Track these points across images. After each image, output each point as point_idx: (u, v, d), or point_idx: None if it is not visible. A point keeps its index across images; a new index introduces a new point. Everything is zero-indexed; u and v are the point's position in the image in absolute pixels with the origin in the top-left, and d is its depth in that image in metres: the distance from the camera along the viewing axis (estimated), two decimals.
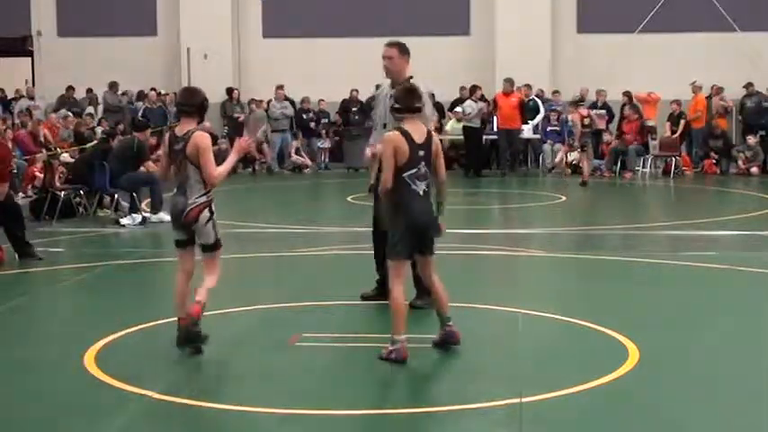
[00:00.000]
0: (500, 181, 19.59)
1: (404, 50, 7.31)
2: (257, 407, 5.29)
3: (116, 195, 13.99)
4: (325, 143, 22.27)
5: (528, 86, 21.94)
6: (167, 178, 6.66)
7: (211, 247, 6.56)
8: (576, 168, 21.16)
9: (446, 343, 6.42)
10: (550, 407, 5.32)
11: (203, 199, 6.52)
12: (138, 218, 13.26)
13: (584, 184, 17.99)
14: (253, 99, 22.29)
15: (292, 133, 22.11)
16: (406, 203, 6.13)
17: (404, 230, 6.12)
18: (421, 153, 6.17)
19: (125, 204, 13.71)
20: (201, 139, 6.48)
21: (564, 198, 16.53)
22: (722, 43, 21.85)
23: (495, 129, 21.00)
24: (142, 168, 13.69)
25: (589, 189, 17.81)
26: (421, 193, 6.15)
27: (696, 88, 20.97)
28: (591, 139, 18.99)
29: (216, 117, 23.01)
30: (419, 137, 6.20)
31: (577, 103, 19.05)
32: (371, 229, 7.48)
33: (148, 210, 13.74)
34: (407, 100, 6.28)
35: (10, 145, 10.87)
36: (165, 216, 13.52)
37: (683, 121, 20.69)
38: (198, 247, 6.60)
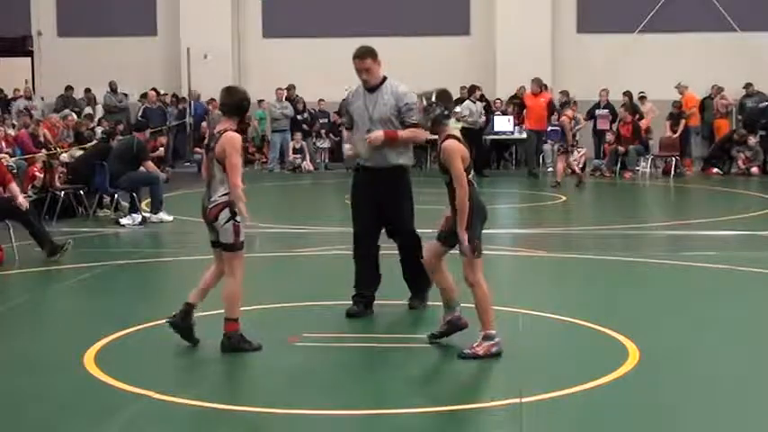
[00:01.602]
0: (499, 181, 19.59)
1: (375, 55, 7.25)
2: (257, 407, 5.29)
3: (116, 195, 13.99)
4: (325, 143, 22.27)
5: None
6: (206, 177, 6.66)
7: (230, 247, 6.52)
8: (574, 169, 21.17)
9: (454, 330, 6.47)
10: (551, 407, 5.31)
11: (224, 198, 6.49)
12: (137, 218, 13.26)
13: (580, 183, 17.84)
14: (212, 99, 22.25)
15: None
16: (477, 203, 6.27)
17: (480, 228, 6.24)
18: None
19: (125, 204, 13.70)
20: (230, 140, 6.44)
21: (564, 198, 16.53)
22: (722, 43, 21.87)
23: (525, 129, 20.68)
24: (142, 168, 13.68)
25: (585, 189, 17.77)
26: None
27: (682, 88, 21.00)
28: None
29: (215, 117, 22.98)
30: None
31: (563, 105, 19.13)
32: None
33: (148, 210, 13.73)
34: (449, 102, 6.38)
35: (4, 145, 10.84)
36: (164, 216, 13.54)
37: (683, 121, 20.69)
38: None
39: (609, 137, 20.86)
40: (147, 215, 13.49)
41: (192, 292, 6.61)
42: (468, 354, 6.14)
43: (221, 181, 6.50)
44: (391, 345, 6.67)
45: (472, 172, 6.36)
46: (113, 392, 5.57)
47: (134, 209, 13.40)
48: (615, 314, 7.46)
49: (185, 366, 6.18)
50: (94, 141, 16.20)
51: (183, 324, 6.53)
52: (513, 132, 21.95)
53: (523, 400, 5.34)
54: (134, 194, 13.45)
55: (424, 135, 7.04)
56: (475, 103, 20.15)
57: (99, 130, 19.09)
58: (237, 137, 6.52)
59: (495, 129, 21.77)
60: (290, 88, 22.26)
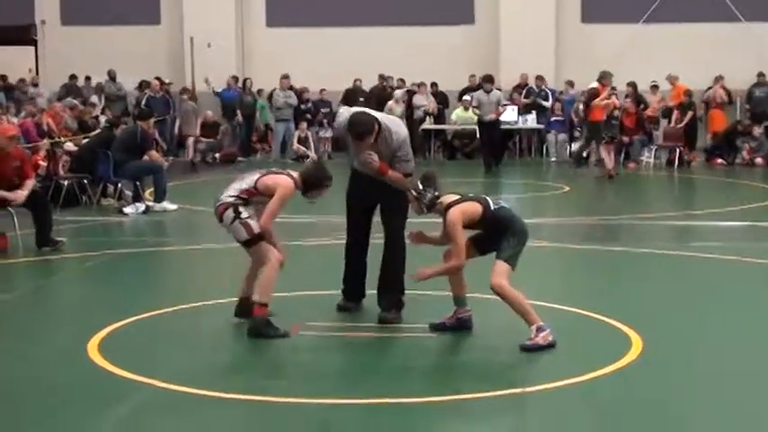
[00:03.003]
0: (503, 171, 19.56)
1: (372, 131, 6.74)
2: (262, 395, 5.31)
3: (119, 184, 14.00)
4: (327, 132, 22.27)
5: (540, 78, 22.00)
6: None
7: (248, 243, 6.58)
8: (578, 159, 21.13)
9: (461, 327, 6.59)
10: (553, 397, 5.33)
11: (230, 200, 6.56)
12: (141, 207, 13.27)
13: (611, 177, 17.52)
14: (185, 88, 22.20)
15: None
16: (521, 227, 6.48)
17: (520, 249, 6.43)
18: None
19: (128, 193, 13.72)
20: (284, 186, 6.54)
21: (567, 188, 16.52)
22: (728, 33, 21.81)
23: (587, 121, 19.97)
24: (146, 157, 13.69)
25: (594, 180, 17.74)
26: None
27: (672, 78, 20.95)
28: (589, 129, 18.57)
29: (218, 105, 22.99)
30: None
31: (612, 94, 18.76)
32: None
33: (151, 199, 13.74)
34: (435, 182, 6.50)
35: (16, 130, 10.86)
36: (168, 205, 13.55)
37: (690, 112, 20.62)
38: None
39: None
40: (151, 204, 13.50)
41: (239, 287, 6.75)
42: (530, 344, 6.19)
43: (237, 185, 6.60)
44: (393, 334, 6.69)
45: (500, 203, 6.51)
46: (118, 381, 5.58)
47: (137, 198, 13.42)
48: (619, 305, 7.46)
49: (190, 355, 6.19)
50: (98, 130, 16.19)
51: (257, 330, 6.49)
52: (517, 122, 21.90)
53: (526, 389, 5.35)
54: (137, 183, 13.47)
55: (408, 185, 6.82)
56: (488, 93, 18.88)
57: (103, 119, 19.10)
58: (292, 189, 6.57)
59: (500, 118, 21.70)
60: (285, 77, 22.18)
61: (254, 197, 6.62)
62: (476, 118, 19.47)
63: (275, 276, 6.54)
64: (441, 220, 6.47)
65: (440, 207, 6.44)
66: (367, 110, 7.21)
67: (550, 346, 6.20)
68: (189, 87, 22.46)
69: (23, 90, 22.22)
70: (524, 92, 22.43)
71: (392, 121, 7.07)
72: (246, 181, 6.65)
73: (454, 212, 6.33)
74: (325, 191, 6.75)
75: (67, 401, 5.31)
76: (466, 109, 21.02)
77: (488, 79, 19.17)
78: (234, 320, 6.78)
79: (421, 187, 6.47)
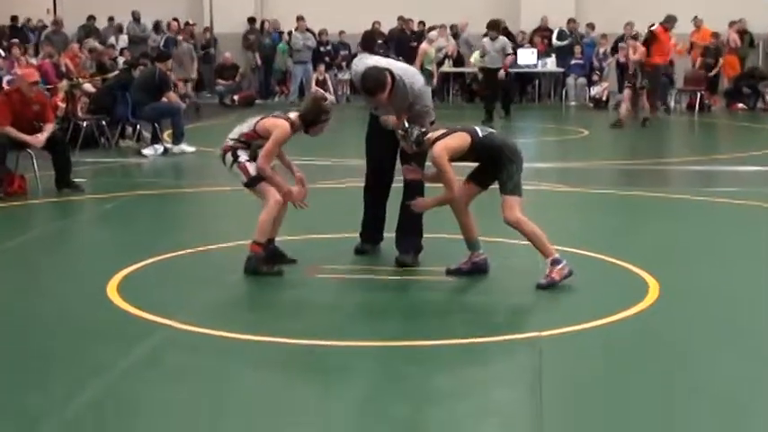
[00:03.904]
0: (522, 115, 19.43)
1: (384, 87, 6.62)
2: (277, 337, 5.33)
3: (138, 126, 13.99)
4: (346, 75, 22.14)
5: (572, 21, 21.76)
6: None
7: (248, 185, 6.68)
8: (597, 102, 20.98)
9: (477, 271, 6.59)
10: (570, 340, 5.33)
11: (231, 143, 6.69)
12: (159, 148, 13.28)
13: (645, 123, 17.07)
14: (178, 26, 21.75)
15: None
16: (513, 149, 6.49)
17: (519, 171, 6.43)
18: None
19: (147, 135, 13.72)
20: (280, 128, 6.57)
21: (586, 132, 16.39)
22: None
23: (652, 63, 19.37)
24: (164, 99, 13.65)
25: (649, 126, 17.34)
26: None
27: (699, 22, 20.64)
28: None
29: (237, 47, 22.89)
30: None
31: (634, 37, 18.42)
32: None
33: (170, 141, 13.74)
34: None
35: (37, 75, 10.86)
36: (186, 147, 13.54)
37: (721, 58, 20.30)
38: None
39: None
40: (169, 146, 13.50)
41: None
42: (546, 282, 6.24)
43: (242, 129, 6.71)
44: (410, 277, 6.69)
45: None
46: (136, 321, 5.62)
47: (156, 139, 13.41)
48: (637, 249, 7.43)
49: (209, 297, 6.21)
50: (116, 72, 16.14)
51: (250, 268, 6.60)
52: (536, 65, 21.70)
53: (543, 333, 5.35)
54: (156, 125, 13.46)
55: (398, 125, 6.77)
56: (494, 40, 18.02)
57: (121, 60, 19.03)
58: (287, 130, 6.60)
59: (519, 62, 21.52)
60: (301, 18, 22.01)
61: (255, 140, 6.71)
62: (482, 63, 18.64)
63: (270, 218, 6.61)
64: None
65: (428, 143, 6.46)
66: (381, 60, 7.05)
67: (566, 277, 6.26)
68: (208, 27, 22.31)
69: (38, 29, 22.10)
70: (556, 33, 22.09)
71: (406, 71, 6.91)
72: (247, 124, 6.75)
73: (437, 148, 6.35)
74: (326, 125, 6.78)
75: (86, 340, 5.34)
76: (483, 55, 20.78)
77: (493, 26, 18.08)
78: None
79: (407, 125, 6.50)
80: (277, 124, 6.64)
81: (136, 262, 6.93)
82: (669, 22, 17.87)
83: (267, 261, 6.63)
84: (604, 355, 5.14)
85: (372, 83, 6.67)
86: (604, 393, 4.61)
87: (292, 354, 5.15)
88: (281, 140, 6.61)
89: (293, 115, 6.73)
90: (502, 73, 17.98)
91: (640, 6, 21.36)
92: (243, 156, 6.66)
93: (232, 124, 7.11)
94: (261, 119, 6.74)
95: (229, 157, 6.67)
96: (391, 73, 6.72)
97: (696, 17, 20.71)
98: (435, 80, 20.89)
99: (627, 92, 17.43)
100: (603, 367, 4.95)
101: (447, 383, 4.74)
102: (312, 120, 6.70)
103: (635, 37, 18.26)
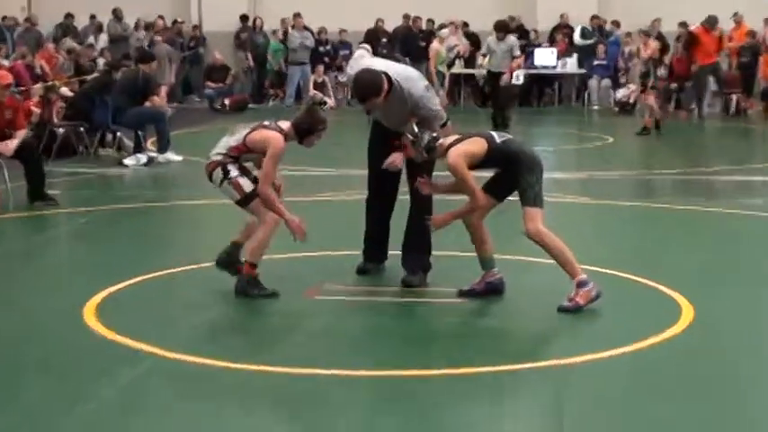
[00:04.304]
0: (542, 120, 19.42)
1: (380, 92, 6.56)
2: (270, 366, 5.27)
3: (119, 133, 13.98)
4: (346, 77, 22.18)
5: (596, 17, 21.78)
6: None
7: (241, 203, 6.63)
8: (623, 107, 20.97)
9: (491, 292, 6.54)
10: (595, 369, 5.27)
11: (219, 158, 6.62)
12: (143, 158, 13.26)
13: (645, 130, 16.89)
14: (148, 24, 21.79)
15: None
16: (531, 157, 6.45)
17: (540, 180, 6.40)
18: None
19: (129, 143, 13.71)
20: (275, 142, 6.51)
21: (611, 139, 16.37)
22: None
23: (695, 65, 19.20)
24: (148, 104, 13.65)
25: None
26: None
27: (739, 18, 20.67)
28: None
29: (229, 47, 22.93)
30: None
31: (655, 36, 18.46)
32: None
33: (154, 149, 13.73)
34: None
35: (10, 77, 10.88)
36: (172, 156, 13.53)
37: (762, 57, 20.29)
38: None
39: (661, 71, 20.54)
40: (154, 155, 13.49)
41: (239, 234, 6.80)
42: (570, 306, 6.17)
43: (228, 141, 6.65)
44: (417, 300, 6.66)
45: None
46: (116, 348, 5.57)
47: (139, 148, 13.40)
48: (669, 268, 7.39)
49: (196, 322, 6.17)
50: (96, 74, 16.16)
51: (228, 259, 6.69)
52: (555, 66, 21.70)
53: (563, 361, 5.30)
54: (139, 132, 13.44)
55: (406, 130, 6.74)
56: (501, 41, 17.49)
57: (101, 61, 19.06)
58: (281, 144, 6.53)
59: (536, 62, 21.53)
60: (298, 15, 22.04)
61: (244, 154, 6.65)
62: (488, 66, 18.10)
63: (269, 239, 6.57)
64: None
65: (440, 150, 6.38)
66: (378, 62, 6.97)
67: (593, 301, 6.18)
68: (197, 25, 22.37)
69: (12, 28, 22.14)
70: (578, 31, 22.05)
71: (404, 75, 6.78)
72: (236, 137, 6.68)
73: (452, 155, 6.29)
74: (322, 135, 6.72)
75: (62, 370, 5.28)
76: (485, 55, 20.69)
77: (500, 27, 17.65)
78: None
79: (416, 129, 6.40)
80: (269, 138, 6.55)
81: (115, 283, 6.89)
82: (710, 22, 17.93)
83: (257, 282, 6.58)
84: (633, 387, 5.08)
85: (364, 87, 6.61)
86: (633, 429, 4.54)
87: (287, 385, 5.10)
88: (277, 157, 6.55)
89: (285, 125, 6.67)
90: (506, 77, 17.46)
91: (668, 1, 21.34)
92: (233, 171, 6.61)
93: (222, 131, 7.09)
94: (251, 131, 6.66)
95: (218, 173, 6.61)
96: (388, 77, 6.67)
97: (737, 13, 20.70)
98: (447, 82, 20.92)
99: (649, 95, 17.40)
100: (632, 400, 4.90)
101: (458, 419, 4.68)
102: (307, 129, 6.66)
103: (647, 33, 18.25)
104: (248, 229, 6.78)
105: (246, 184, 6.58)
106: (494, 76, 17.92)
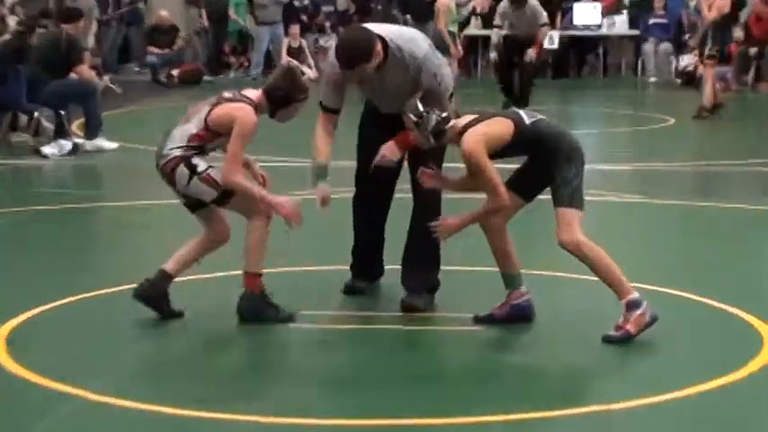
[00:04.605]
0: (583, 94, 19.47)
1: (370, 56, 6.54)
2: (229, 413, 5.29)
3: (36, 113, 13.99)
4: (330, 41, 22.20)
5: None
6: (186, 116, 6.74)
7: (218, 201, 6.62)
8: (689, 78, 21.02)
9: (517, 317, 6.53)
10: (649, 416, 5.30)
11: (178, 152, 6.55)
12: (67, 145, 13.28)
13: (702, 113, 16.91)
14: None
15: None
16: (570, 144, 6.42)
17: (581, 174, 6.37)
18: None
19: (48, 126, 13.72)
20: (245, 119, 6.47)
21: (672, 121, 16.42)
22: None
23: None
24: (73, 75, 13.67)
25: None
26: None
27: None
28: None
29: (178, 3, 22.96)
30: None
31: None
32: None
33: (81, 134, 13.75)
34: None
35: None
36: (104, 143, 13.56)
37: None
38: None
39: (736, 33, 20.63)
40: (80, 141, 13.51)
41: (170, 260, 6.70)
42: (618, 335, 6.18)
43: (187, 128, 6.58)
44: (421, 328, 6.69)
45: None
46: (33, 391, 5.58)
47: (61, 132, 13.41)
48: (744, 286, 7.46)
49: (135, 355, 6.21)
50: (6, 37, 16.18)
51: (153, 293, 6.60)
52: (600, 26, 21.76)
53: (612, 406, 5.33)
54: (61, 112, 13.45)
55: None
56: (518, 10, 17.19)
57: (12, 20, 19.08)
58: (252, 119, 6.50)
59: (575, 21, 21.59)
60: None
61: (210, 141, 6.60)
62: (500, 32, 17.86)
63: (265, 239, 6.58)
64: None
65: (452, 134, 6.36)
66: (372, 27, 6.99)
67: (647, 327, 6.19)
68: None
69: None
70: None
71: (403, 36, 6.80)
72: (194, 122, 6.59)
73: (469, 140, 6.23)
74: (300, 107, 6.67)
75: None
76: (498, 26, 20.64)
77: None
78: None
79: (421, 108, 6.35)
80: (236, 112, 6.50)
81: (31, 307, 6.90)
82: None
83: (270, 300, 6.60)
84: None
85: (351, 48, 6.56)
86: None
87: None
88: (247, 135, 6.48)
89: (255, 94, 6.63)
90: (531, 52, 17.26)
91: None
92: (201, 164, 6.55)
93: (170, 110, 7.10)
94: (211, 108, 6.59)
95: (183, 170, 6.52)
96: (382, 39, 6.66)
97: None
98: (460, 47, 20.92)
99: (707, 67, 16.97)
100: None
101: None
102: (283, 98, 6.62)
103: None
104: (186, 253, 6.71)
105: (220, 177, 6.55)
106: (515, 44, 17.49)
